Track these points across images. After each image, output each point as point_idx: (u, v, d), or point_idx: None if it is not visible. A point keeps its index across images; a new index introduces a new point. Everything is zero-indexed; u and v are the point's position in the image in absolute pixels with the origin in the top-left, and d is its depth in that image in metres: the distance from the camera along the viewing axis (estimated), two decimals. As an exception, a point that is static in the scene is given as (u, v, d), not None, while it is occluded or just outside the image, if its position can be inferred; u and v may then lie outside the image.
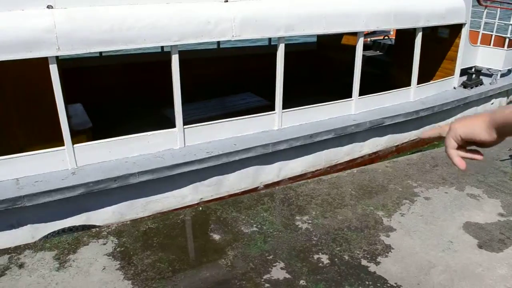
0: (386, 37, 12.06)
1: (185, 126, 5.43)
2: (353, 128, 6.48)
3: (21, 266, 3.97)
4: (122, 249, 4.23)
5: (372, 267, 4.05)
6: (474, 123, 1.17)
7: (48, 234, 4.74)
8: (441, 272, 4.01)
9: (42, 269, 3.94)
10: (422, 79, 7.79)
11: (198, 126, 5.58)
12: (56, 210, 4.73)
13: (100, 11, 4.65)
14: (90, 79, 8.20)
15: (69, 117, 6.41)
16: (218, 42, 9.56)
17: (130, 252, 4.18)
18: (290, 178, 6.31)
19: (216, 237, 4.48)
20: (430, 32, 8.20)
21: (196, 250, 4.28)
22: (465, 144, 1.22)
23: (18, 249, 4.20)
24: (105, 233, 4.50)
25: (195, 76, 8.90)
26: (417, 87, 7.55)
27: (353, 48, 6.65)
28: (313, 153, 6.32)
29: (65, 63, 8.34)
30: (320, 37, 10.72)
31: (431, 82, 8.17)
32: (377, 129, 6.82)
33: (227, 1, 5.37)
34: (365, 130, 6.67)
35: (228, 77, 8.85)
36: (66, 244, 4.29)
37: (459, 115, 8.21)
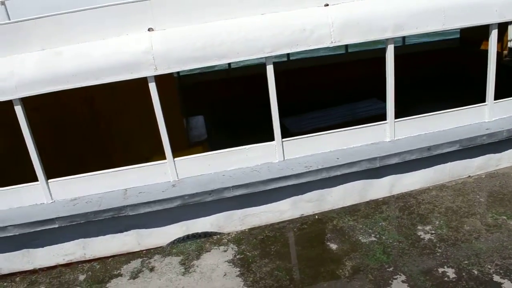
0: None
1: (284, 139, 5.59)
2: (484, 138, 5.86)
3: (152, 269, 4.69)
4: (242, 256, 4.70)
5: (507, 284, 3.88)
6: None
7: (175, 240, 5.35)
8: None
9: (170, 273, 4.59)
10: None
11: (298, 139, 5.69)
12: (158, 219, 5.28)
13: (193, 29, 5.16)
14: (218, 91, 9.20)
15: (189, 129, 7.28)
16: (346, 47, 9.86)
17: (249, 260, 4.62)
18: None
19: (333, 246, 4.70)
20: None
21: (313, 259, 4.52)
22: None
23: (149, 254, 4.98)
24: (226, 240, 5.04)
25: (321, 82, 9.35)
26: None
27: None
28: (434, 167, 5.87)
29: (194, 78, 9.51)
30: (464, 31, 10.14)
31: None
32: (520, 138, 6.10)
33: (327, 5, 5.46)
34: (503, 141, 5.97)
35: (356, 82, 8.92)
36: (190, 251, 4.94)
37: None
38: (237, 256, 4.70)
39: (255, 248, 4.81)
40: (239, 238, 5.03)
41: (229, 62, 5.43)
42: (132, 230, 5.30)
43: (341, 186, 5.65)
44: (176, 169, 5.46)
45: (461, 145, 5.82)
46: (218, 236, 5.15)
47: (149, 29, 5.17)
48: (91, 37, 5.11)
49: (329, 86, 9.32)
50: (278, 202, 5.53)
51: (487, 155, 6.09)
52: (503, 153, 6.14)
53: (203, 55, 5.15)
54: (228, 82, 9.44)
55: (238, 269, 4.50)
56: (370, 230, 4.87)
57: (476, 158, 6.06)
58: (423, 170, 5.88)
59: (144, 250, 5.31)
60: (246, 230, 5.27)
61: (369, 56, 9.30)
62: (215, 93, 9.27)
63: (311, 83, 9.48)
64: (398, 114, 6.03)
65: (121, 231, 5.29)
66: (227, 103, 9.10)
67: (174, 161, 5.43)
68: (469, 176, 6.01)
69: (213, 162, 5.55)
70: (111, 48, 5.08)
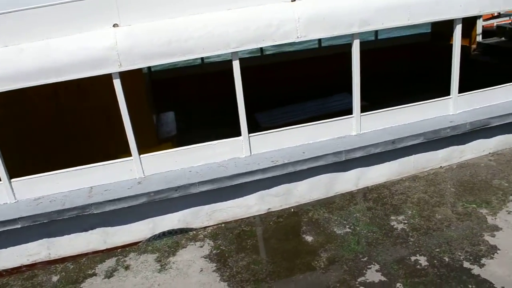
0: None
1: (250, 134, 5.62)
2: (448, 131, 5.99)
3: (127, 268, 4.65)
4: (218, 251, 4.72)
5: (476, 270, 4.01)
6: None
7: (150, 237, 5.35)
8: (557, 275, 3.79)
9: (146, 270, 4.56)
10: None
11: (264, 134, 5.73)
12: (124, 217, 5.26)
13: (159, 24, 5.13)
14: (191, 86, 9.23)
15: (159, 125, 7.24)
16: (319, 41, 9.95)
17: (226, 254, 4.65)
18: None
19: (309, 238, 4.76)
20: None
21: (289, 252, 4.57)
22: None
23: (124, 252, 4.93)
24: (202, 236, 5.05)
25: (294, 77, 9.43)
26: None
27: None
28: (399, 159, 5.98)
29: (166, 73, 9.48)
30: (434, 26, 10.32)
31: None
32: (483, 130, 6.20)
33: (294, 1, 5.48)
34: (465, 133, 6.12)
35: (328, 76, 8.98)
36: (166, 247, 4.92)
37: None
38: (214, 251, 4.73)
39: (231, 242, 4.85)
40: (215, 233, 5.06)
41: (195, 57, 5.40)
42: (97, 229, 5.27)
43: (307, 180, 5.71)
44: (142, 166, 5.44)
45: (425, 138, 5.95)
46: (194, 232, 5.16)
47: (114, 25, 5.12)
48: (55, 33, 5.03)
49: (302, 80, 9.39)
50: (245, 197, 5.57)
51: (451, 147, 6.24)
52: (466, 145, 6.30)
53: (168, 51, 5.14)
54: (202, 77, 9.41)
55: (214, 264, 4.53)
56: (344, 222, 4.96)
57: (440, 150, 6.21)
58: (388, 163, 5.99)
59: (110, 248, 5.29)
60: (222, 225, 5.28)
61: (341, 51, 9.44)
62: (188, 88, 9.24)
63: (284, 77, 9.53)
64: (371, 108, 6.13)
65: (86, 230, 5.26)
66: (201, 98, 9.08)
67: (140, 158, 5.41)
68: (441, 166, 6.15)
69: (180, 158, 5.54)
70: (75, 45, 5.01)
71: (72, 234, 5.23)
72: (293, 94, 8.84)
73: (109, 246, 5.33)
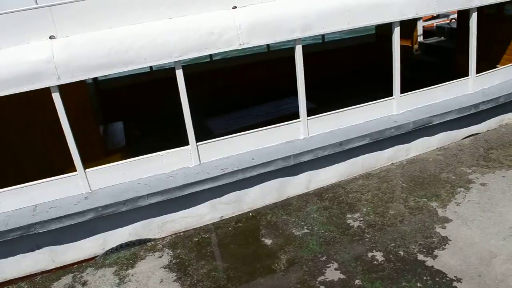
0: (453, 20, 11.53)
1: (198, 143, 5.60)
2: (392, 131, 6.18)
3: (84, 284, 4.50)
4: (178, 260, 4.66)
5: (429, 261, 4.17)
6: None
7: (107, 251, 5.22)
8: (504, 262, 4.02)
9: (104, 285, 4.44)
10: (490, 66, 7.28)
11: (213, 141, 5.72)
12: (71, 234, 5.11)
13: (98, 35, 5.03)
14: (140, 95, 9.05)
15: (107, 137, 7.07)
16: (268, 45, 9.98)
17: (186, 263, 4.60)
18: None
19: (268, 241, 4.79)
20: (497, 11, 7.68)
21: (249, 256, 4.59)
22: None
23: (80, 268, 4.77)
24: (160, 246, 4.96)
25: (243, 82, 9.44)
26: (477, 76, 7.04)
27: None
28: (347, 161, 6.12)
29: (114, 82, 9.25)
30: (378, 27, 10.56)
31: (496, 69, 7.51)
32: (425, 129, 6.44)
33: (235, 8, 5.51)
34: (409, 132, 6.34)
35: (277, 80, 9.03)
36: (124, 260, 4.80)
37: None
38: (173, 261, 4.67)
39: (191, 251, 4.80)
40: (174, 242, 5.00)
41: (136, 68, 5.32)
42: (44, 248, 5.10)
43: (258, 186, 5.75)
44: (88, 180, 5.30)
45: (371, 138, 6.11)
46: (153, 242, 5.07)
47: (50, 37, 4.97)
48: None
49: (252, 84, 9.41)
50: (197, 206, 5.54)
51: (396, 146, 6.44)
52: (411, 143, 6.52)
53: (109, 62, 5.04)
54: (151, 84, 9.26)
55: (174, 274, 4.47)
56: (302, 223, 5.01)
57: (386, 150, 6.40)
58: (337, 164, 6.12)
59: (60, 267, 5.13)
60: (181, 233, 5.20)
61: (290, 54, 9.57)
62: (138, 96, 9.07)
63: (235, 82, 9.53)
64: (320, 110, 6.26)
65: (33, 250, 5.07)
66: (151, 106, 8.94)
67: (85, 172, 5.27)
68: (392, 163, 6.32)
69: (127, 171, 5.45)
70: (9, 58, 4.83)
71: (17, 255, 5.04)
72: (245, 99, 8.85)
73: (58, 265, 5.18)
